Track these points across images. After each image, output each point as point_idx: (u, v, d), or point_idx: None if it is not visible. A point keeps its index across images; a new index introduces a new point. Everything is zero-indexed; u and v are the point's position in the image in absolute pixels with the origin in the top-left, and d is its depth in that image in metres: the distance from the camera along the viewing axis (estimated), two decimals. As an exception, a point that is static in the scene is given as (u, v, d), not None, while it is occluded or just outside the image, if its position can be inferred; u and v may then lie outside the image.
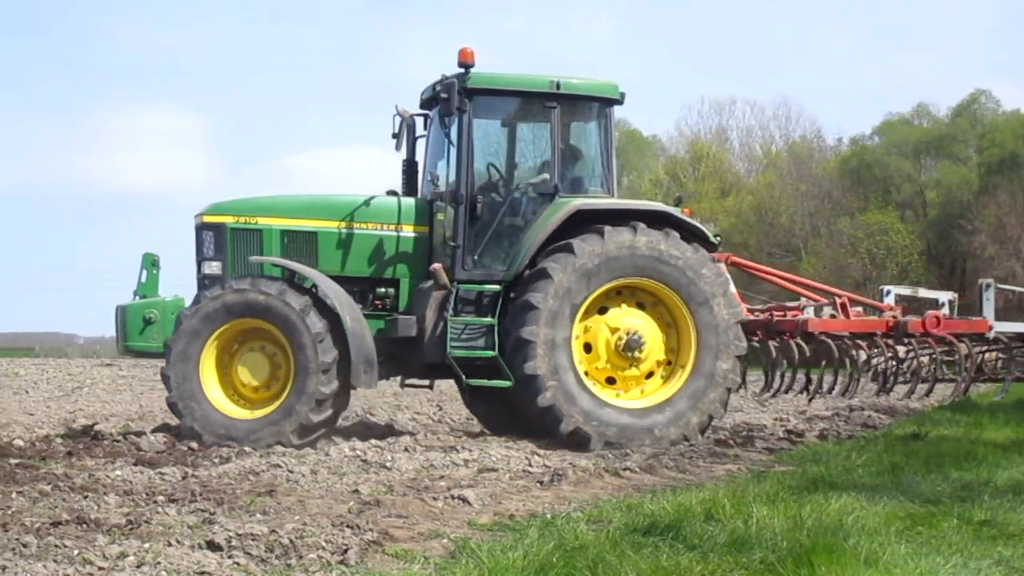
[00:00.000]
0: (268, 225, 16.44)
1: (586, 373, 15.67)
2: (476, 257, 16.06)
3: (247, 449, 14.08)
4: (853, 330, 17.25)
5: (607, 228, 15.60)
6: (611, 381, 15.82)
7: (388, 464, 12.48)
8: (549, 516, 9.51)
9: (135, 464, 12.52)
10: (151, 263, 16.79)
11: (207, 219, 16.63)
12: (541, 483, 11.64)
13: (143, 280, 16.81)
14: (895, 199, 65.75)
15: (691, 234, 16.02)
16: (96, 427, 16.63)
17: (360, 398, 22.57)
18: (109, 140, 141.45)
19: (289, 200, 16.83)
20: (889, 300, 19.14)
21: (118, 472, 11.65)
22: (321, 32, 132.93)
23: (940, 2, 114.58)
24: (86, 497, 10.01)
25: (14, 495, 10.04)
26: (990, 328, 17.53)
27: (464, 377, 15.67)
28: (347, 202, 16.57)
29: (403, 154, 17.33)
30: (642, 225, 15.69)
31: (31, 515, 8.99)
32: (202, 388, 15.27)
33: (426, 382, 17.06)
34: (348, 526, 8.58)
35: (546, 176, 16.26)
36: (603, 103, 16.60)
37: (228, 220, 16.53)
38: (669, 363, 15.93)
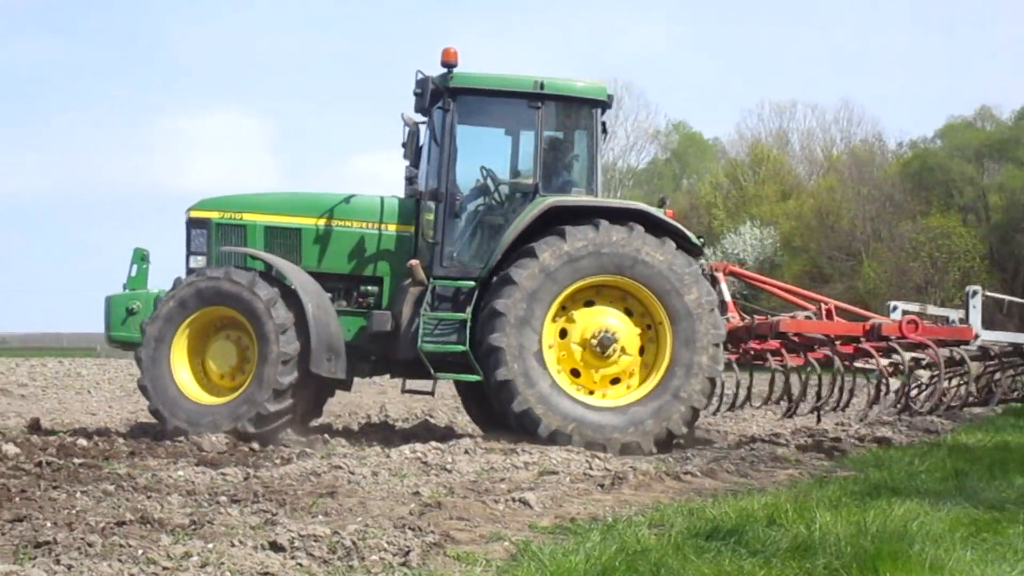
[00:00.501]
0: (252, 221, 16.81)
1: (563, 375, 15.63)
2: (455, 254, 16.18)
3: (308, 450, 14.13)
4: (826, 332, 16.84)
5: (568, 228, 15.54)
6: (596, 382, 15.71)
7: (448, 466, 12.50)
8: (610, 520, 9.49)
9: (197, 464, 12.58)
10: (141, 258, 17.02)
11: (194, 214, 17.03)
12: (602, 486, 11.61)
13: (133, 274, 17.03)
14: (957, 203, 65.28)
15: (671, 235, 15.85)
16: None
17: (420, 400, 22.59)
18: (177, 142, 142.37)
19: (273, 197, 17.18)
20: (895, 316, 18.45)
21: (180, 472, 11.70)
22: (389, 31, 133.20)
23: (1003, 3, 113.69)
24: (149, 497, 10.06)
25: (78, 495, 10.10)
26: (976, 336, 16.85)
27: (433, 371, 15.74)
28: (330, 199, 16.80)
29: (410, 161, 17.23)
30: (605, 222, 15.57)
31: (95, 515, 9.03)
32: (172, 372, 15.63)
33: (428, 388, 17.04)
34: (410, 528, 8.58)
35: (527, 176, 16.37)
36: (590, 105, 16.50)
37: (214, 216, 16.93)
38: (647, 359, 15.77)
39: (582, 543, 8.21)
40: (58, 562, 7.09)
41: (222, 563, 7.18)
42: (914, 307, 19.73)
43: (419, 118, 16.89)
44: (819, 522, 8.74)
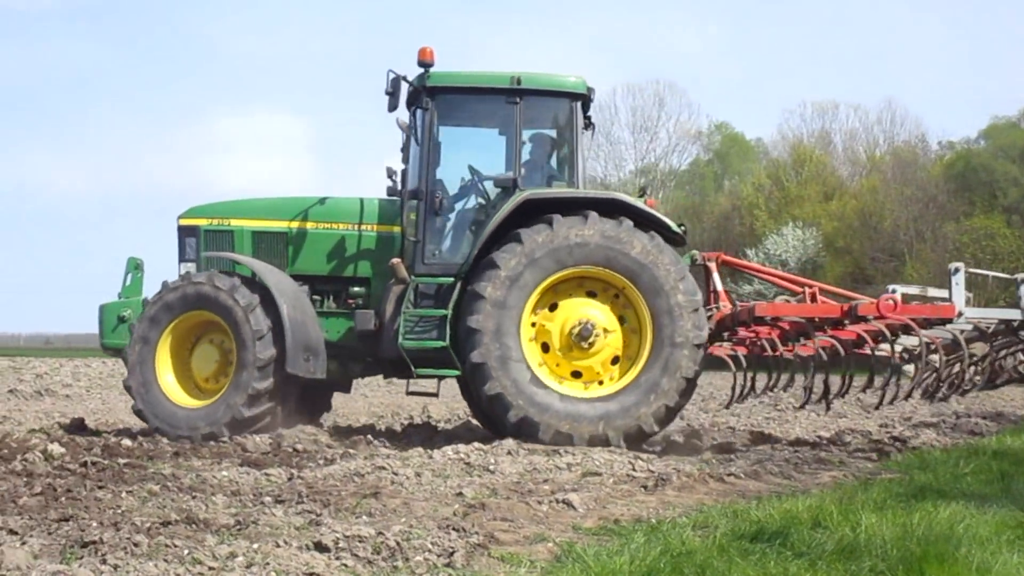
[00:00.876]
0: (240, 226, 17.21)
1: (541, 364, 15.66)
2: (436, 252, 16.30)
3: (351, 451, 14.15)
4: (803, 315, 16.43)
5: (556, 217, 15.57)
6: (576, 375, 15.74)
7: (491, 467, 12.49)
8: (654, 521, 9.47)
9: (241, 465, 12.62)
10: (135, 267, 17.31)
11: (183, 222, 17.46)
12: (645, 488, 11.58)
13: (127, 283, 17.33)
14: (1001, 203, 64.87)
15: (651, 224, 15.83)
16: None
17: (463, 401, 22.59)
18: (220, 142, 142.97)
19: (259, 202, 17.47)
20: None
21: (225, 473, 11.74)
22: (427, 33, 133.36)
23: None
24: (194, 497, 10.10)
25: (124, 495, 10.15)
26: (960, 315, 16.17)
27: (413, 367, 15.88)
28: (313, 203, 17.12)
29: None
30: (594, 214, 15.60)
31: (141, 515, 9.07)
32: (156, 374, 16.07)
33: (432, 389, 17.25)
34: (454, 529, 8.58)
35: (507, 171, 16.44)
36: (569, 98, 16.49)
37: (202, 223, 17.37)
38: (627, 353, 15.76)
39: (626, 544, 8.20)
40: (104, 562, 7.12)
41: (267, 563, 7.20)
42: (914, 289, 19.22)
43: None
44: (864, 524, 8.70)
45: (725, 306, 16.51)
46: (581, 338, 15.57)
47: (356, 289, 16.83)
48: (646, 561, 7.55)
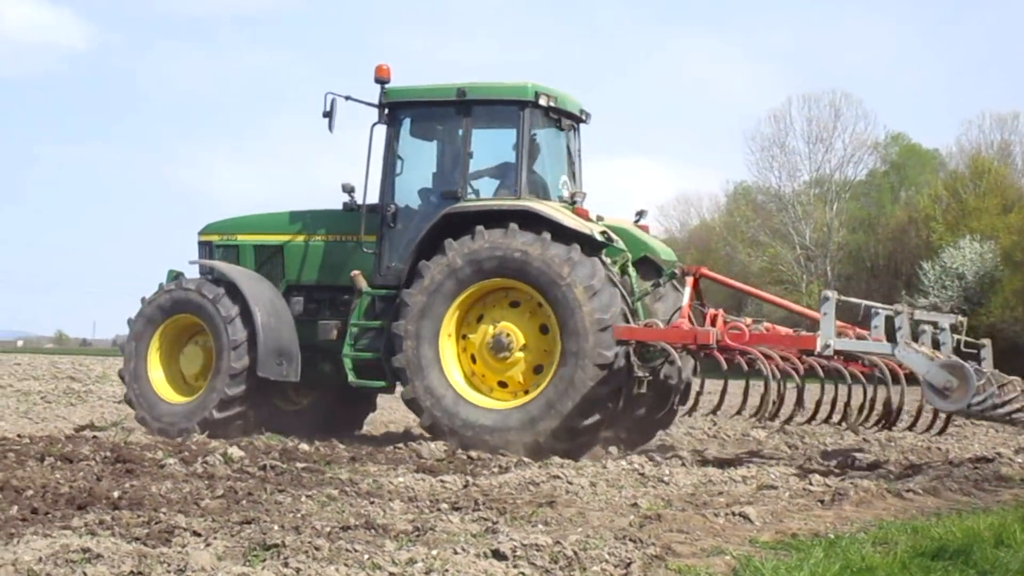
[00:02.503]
0: (244, 241, 18.22)
1: (472, 374, 16.07)
2: (391, 264, 16.83)
3: (525, 460, 14.19)
4: (658, 339, 15.46)
5: (479, 228, 15.82)
6: (504, 384, 16.01)
7: (665, 479, 12.44)
8: (832, 536, 9.35)
9: (416, 471, 12.73)
10: (174, 278, 17.86)
11: (201, 238, 18.62)
12: (822, 502, 11.43)
13: None
14: None
15: (572, 236, 15.72)
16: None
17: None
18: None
19: (261, 218, 18.40)
20: (876, 323, 15.63)
21: (401, 479, 11.86)
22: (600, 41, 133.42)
23: None
24: (372, 503, 10.22)
25: (303, 499, 10.31)
26: (827, 346, 14.87)
27: (349, 378, 16.61)
28: (306, 216, 17.90)
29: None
30: (514, 226, 15.71)
31: (320, 519, 9.21)
32: (146, 368, 17.27)
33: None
34: (630, 539, 8.55)
35: (454, 182, 16.66)
36: (516, 106, 16.59)
37: (215, 239, 18.47)
38: (548, 364, 15.77)
39: (805, 559, 8.10)
40: (287, 565, 7.24)
41: (446, 570, 7.24)
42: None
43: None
44: (1050, 544, 8.51)
45: (683, 323, 15.87)
46: (496, 350, 15.90)
47: (347, 297, 17.23)
48: (826, 576, 7.46)
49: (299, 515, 9.45)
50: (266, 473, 12.21)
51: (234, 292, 16.94)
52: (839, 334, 15.19)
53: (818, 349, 14.84)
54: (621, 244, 16.56)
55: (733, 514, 10.14)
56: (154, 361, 17.33)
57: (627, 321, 15.64)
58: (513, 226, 15.69)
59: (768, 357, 15.09)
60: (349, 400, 18.15)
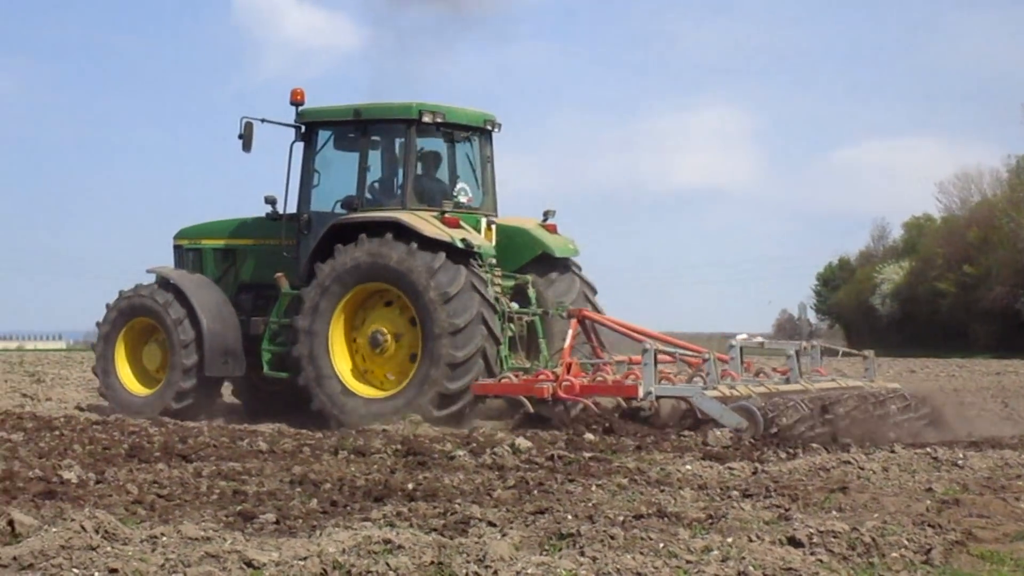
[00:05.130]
0: (207, 246, 20.50)
1: (365, 372, 18.23)
2: (304, 266, 18.72)
3: (814, 445, 13.99)
4: (505, 394, 17.54)
5: (362, 236, 17.80)
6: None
7: (960, 463, 12.11)
8: None
9: (703, 459, 12.67)
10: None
11: (174, 242, 20.86)
12: None
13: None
14: None
15: (436, 244, 17.49)
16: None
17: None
18: (658, 141, 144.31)
19: (220, 224, 20.68)
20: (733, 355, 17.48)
21: (688, 467, 11.85)
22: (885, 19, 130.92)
23: None
24: (662, 491, 10.23)
25: (593, 488, 10.38)
26: (649, 393, 16.17)
27: (264, 369, 18.95)
28: (250, 223, 20.16)
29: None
30: (389, 236, 17.65)
31: (612, 507, 9.26)
32: (114, 364, 19.75)
33: None
34: (929, 525, 8.38)
35: (356, 193, 18.76)
36: (402, 123, 18.78)
37: (184, 243, 20.80)
38: (415, 355, 17.78)
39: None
40: (583, 554, 7.28)
41: (743, 557, 7.20)
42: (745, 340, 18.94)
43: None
44: None
45: (574, 365, 17.51)
46: (373, 346, 18.13)
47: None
48: None
49: (591, 504, 9.51)
50: (554, 463, 12.32)
51: (183, 297, 19.23)
52: (757, 373, 17.70)
53: (640, 396, 16.22)
54: (488, 248, 18.39)
55: (1034, 498, 9.83)
56: (120, 358, 19.81)
57: (487, 324, 17.45)
58: (388, 235, 17.68)
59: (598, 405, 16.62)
60: None
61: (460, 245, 17.58)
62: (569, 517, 8.72)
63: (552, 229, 19.50)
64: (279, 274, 18.88)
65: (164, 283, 19.66)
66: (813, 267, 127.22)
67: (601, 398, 16.86)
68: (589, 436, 14.92)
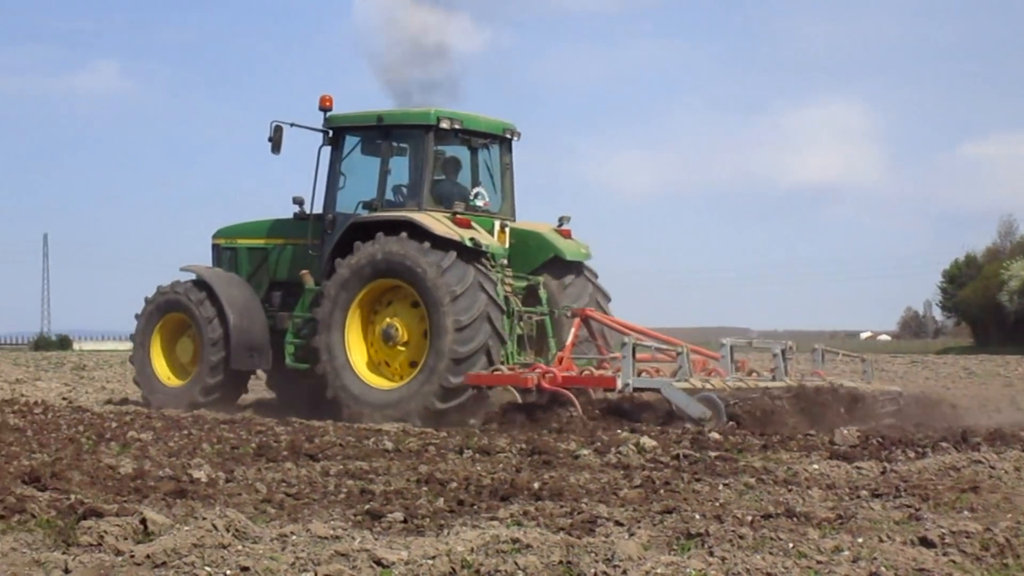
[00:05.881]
0: (241, 245, 21.70)
1: (380, 363, 19.28)
2: (326, 263, 19.76)
3: (943, 444, 13.81)
4: (496, 384, 18.19)
5: (379, 235, 18.79)
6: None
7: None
8: None
9: (830, 458, 12.54)
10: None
11: (213, 241, 22.07)
12: None
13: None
14: None
15: (447, 243, 18.43)
16: None
17: None
18: (778, 136, 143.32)
19: (254, 225, 21.83)
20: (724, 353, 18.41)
21: (815, 466, 11.75)
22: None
23: None
24: (790, 490, 10.17)
25: (720, 487, 10.34)
26: (627, 385, 17.09)
27: (287, 361, 19.97)
28: (280, 223, 21.27)
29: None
30: (404, 235, 18.58)
31: (739, 507, 9.22)
32: (150, 356, 21.08)
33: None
34: (1064, 526, 8.24)
35: (376, 196, 19.87)
36: (420, 129, 19.70)
37: (221, 242, 22.01)
38: (416, 363, 18.81)
39: None
40: (712, 554, 7.25)
41: (874, 558, 7.12)
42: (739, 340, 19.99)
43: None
44: None
45: (566, 359, 18.43)
46: (386, 339, 19.15)
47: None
48: None
49: (718, 504, 9.48)
50: (680, 462, 12.27)
51: (213, 296, 20.37)
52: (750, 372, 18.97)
53: (618, 388, 17.15)
54: (499, 249, 19.37)
55: None
56: (156, 350, 21.11)
57: (493, 323, 18.38)
58: (403, 234, 18.65)
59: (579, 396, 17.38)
60: None
61: (469, 244, 18.57)
62: (697, 517, 8.69)
63: (566, 234, 20.49)
64: (304, 271, 20.08)
65: (199, 281, 20.86)
66: (939, 264, 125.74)
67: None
68: (715, 435, 14.84)
